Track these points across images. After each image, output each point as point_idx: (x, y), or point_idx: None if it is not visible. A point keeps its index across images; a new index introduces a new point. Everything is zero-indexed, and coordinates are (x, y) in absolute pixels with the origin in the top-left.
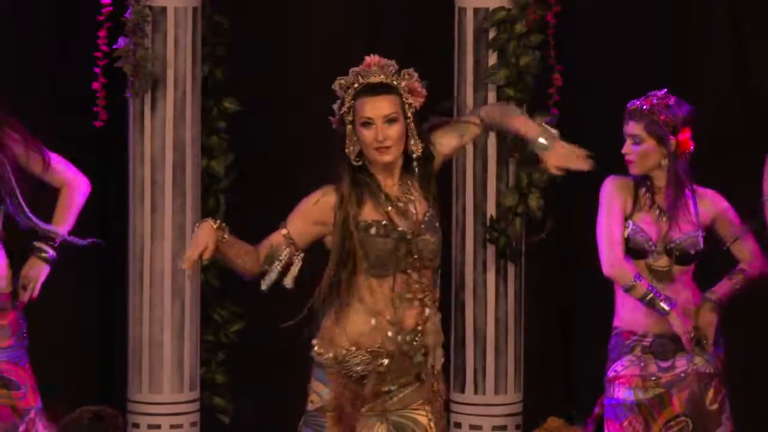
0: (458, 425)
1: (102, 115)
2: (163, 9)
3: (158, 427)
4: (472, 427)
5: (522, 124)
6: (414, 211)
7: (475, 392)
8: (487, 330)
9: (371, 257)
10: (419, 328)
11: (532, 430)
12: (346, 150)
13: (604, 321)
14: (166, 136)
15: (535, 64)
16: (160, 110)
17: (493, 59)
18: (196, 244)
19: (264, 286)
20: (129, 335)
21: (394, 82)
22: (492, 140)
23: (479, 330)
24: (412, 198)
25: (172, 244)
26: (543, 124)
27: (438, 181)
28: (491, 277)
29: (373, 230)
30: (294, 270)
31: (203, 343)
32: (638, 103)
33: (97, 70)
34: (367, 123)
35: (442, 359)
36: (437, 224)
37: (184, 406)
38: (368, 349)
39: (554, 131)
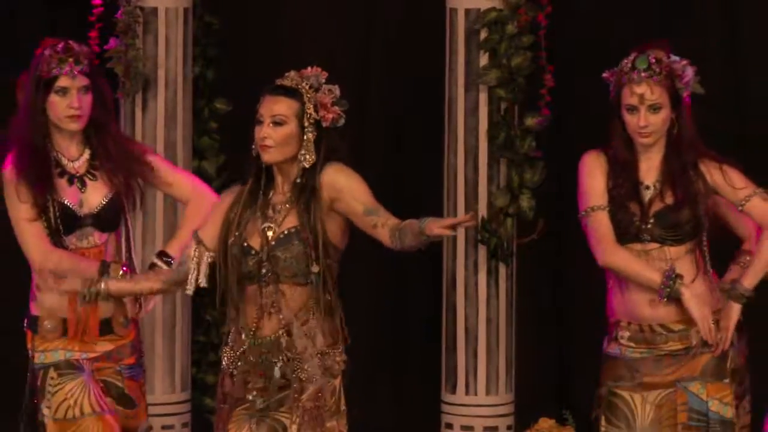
0: (449, 426)
1: None
2: (154, 9)
3: (149, 428)
4: (463, 428)
5: (412, 220)
6: (273, 228)
7: (467, 393)
8: (479, 330)
9: (235, 269)
10: (278, 335)
11: (524, 431)
12: (252, 147)
13: (596, 320)
14: (157, 137)
15: (526, 64)
16: (151, 111)
17: (484, 60)
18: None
19: (188, 290)
20: None
21: (302, 90)
22: (482, 140)
23: (470, 330)
24: (287, 208)
25: (163, 245)
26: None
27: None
28: (482, 277)
29: (235, 249)
30: (200, 269)
31: (194, 343)
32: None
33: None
34: (258, 121)
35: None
36: (296, 241)
37: (175, 406)
38: (237, 353)
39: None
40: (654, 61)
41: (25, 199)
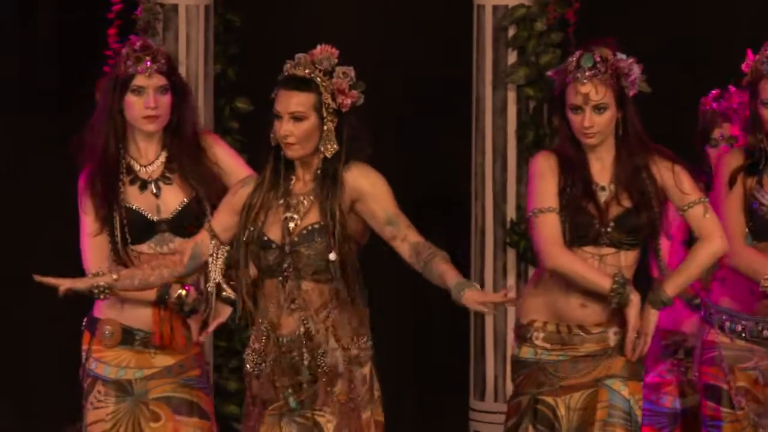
0: None
1: None
2: (175, 7)
3: None
4: None
5: (446, 269)
6: (296, 220)
7: (495, 400)
8: (508, 336)
9: (254, 263)
10: (299, 333)
11: None
12: (271, 136)
13: None
14: None
15: (555, 62)
16: None
17: (512, 58)
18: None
19: (210, 287)
20: None
21: (317, 79)
22: (511, 140)
23: (499, 336)
24: (311, 201)
25: None
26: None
27: (435, 187)
28: (512, 281)
29: (254, 242)
30: (216, 266)
31: (216, 349)
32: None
33: (106, 69)
34: (276, 115)
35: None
36: (319, 238)
37: None
38: (260, 354)
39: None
40: (599, 59)
41: (88, 211)
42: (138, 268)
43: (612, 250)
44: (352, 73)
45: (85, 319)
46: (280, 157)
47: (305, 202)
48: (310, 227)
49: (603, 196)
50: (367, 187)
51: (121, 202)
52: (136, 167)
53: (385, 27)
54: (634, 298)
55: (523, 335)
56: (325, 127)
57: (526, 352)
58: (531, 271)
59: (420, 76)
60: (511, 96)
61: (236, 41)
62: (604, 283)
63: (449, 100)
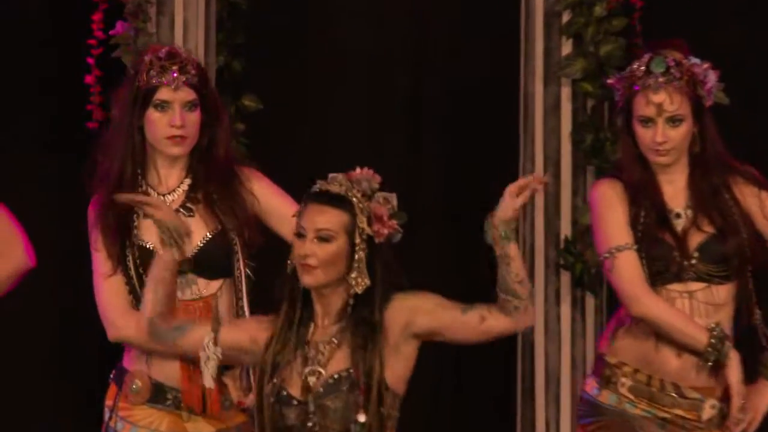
0: None
1: (97, 114)
2: None
3: None
4: None
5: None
6: (317, 372)
7: None
8: (562, 374)
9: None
10: None
11: None
12: (288, 262)
13: None
14: None
15: (618, 53)
16: None
17: (567, 48)
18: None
19: (207, 383)
20: None
21: (353, 199)
22: (565, 144)
23: (552, 374)
24: (333, 346)
25: None
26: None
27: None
28: (566, 310)
29: (272, 399)
30: (208, 370)
31: None
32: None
33: (90, 60)
34: (299, 234)
35: None
36: (345, 387)
37: None
38: None
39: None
40: (673, 63)
41: (100, 248)
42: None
43: (701, 285)
44: (395, 201)
45: (113, 371)
46: (300, 292)
47: (325, 350)
48: (337, 375)
49: (679, 224)
50: (414, 299)
51: (134, 239)
52: (153, 195)
53: (416, 13)
54: (734, 356)
55: (607, 376)
56: (357, 257)
57: (609, 398)
58: (589, 299)
59: (459, 70)
60: (566, 92)
61: (242, 29)
62: (700, 336)
63: (493, 98)
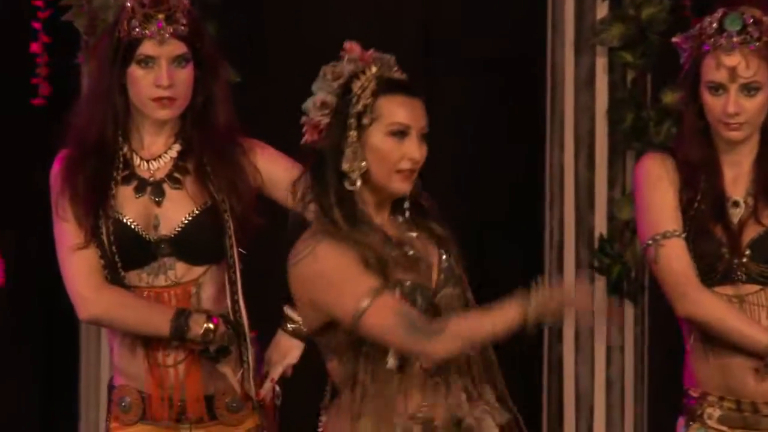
0: None
1: (44, 89)
2: None
3: None
4: None
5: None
6: (426, 254)
7: None
8: (595, 396)
9: None
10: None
11: None
12: (347, 165)
13: None
14: None
15: (662, 17)
16: None
17: (602, 11)
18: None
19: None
20: None
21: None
22: (601, 127)
23: (584, 395)
24: (415, 236)
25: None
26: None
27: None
28: (600, 321)
29: (399, 292)
30: None
31: None
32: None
33: (36, 25)
34: (401, 132)
35: None
36: (459, 272)
37: None
38: None
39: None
40: (751, 21)
41: (68, 217)
42: None
43: (755, 287)
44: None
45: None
46: (349, 199)
47: (407, 238)
48: (446, 264)
49: (736, 214)
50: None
51: (109, 210)
52: (135, 161)
53: None
54: None
55: (693, 412)
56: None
57: None
58: (628, 309)
59: (474, 39)
60: (601, 64)
61: None
62: (759, 337)
63: (515, 71)
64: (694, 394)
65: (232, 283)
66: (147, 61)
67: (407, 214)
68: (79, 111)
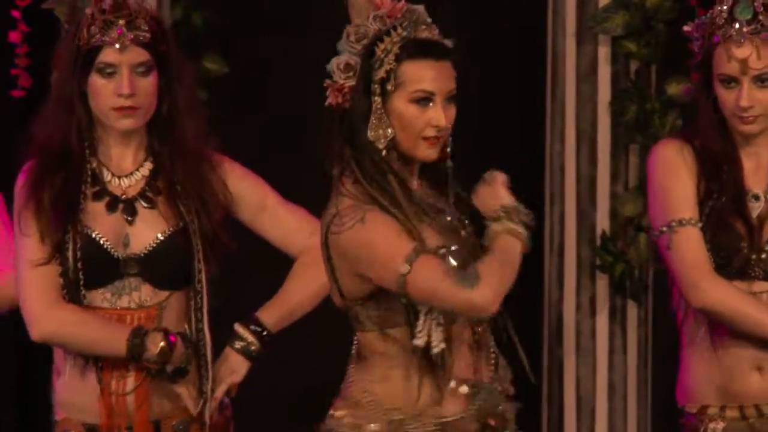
0: None
1: (23, 80)
2: None
3: None
4: None
5: None
6: (459, 225)
7: None
8: (597, 400)
9: None
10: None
11: None
12: (372, 134)
13: None
14: None
15: (668, 4)
16: None
17: None
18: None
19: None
20: None
21: (447, 41)
22: (603, 119)
23: (585, 399)
24: (445, 207)
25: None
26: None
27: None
28: (603, 321)
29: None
30: None
31: None
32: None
33: (15, 14)
34: (425, 99)
35: None
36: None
37: None
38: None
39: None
40: (762, 9)
41: (30, 232)
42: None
43: None
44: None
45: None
46: (379, 165)
47: (439, 207)
48: (470, 230)
49: (755, 209)
50: None
51: (78, 225)
52: (106, 176)
53: None
54: None
55: (695, 430)
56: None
57: None
58: (631, 309)
59: (470, 25)
60: (603, 53)
61: None
62: None
63: (514, 60)
64: (692, 410)
65: (197, 310)
66: (107, 69)
67: (448, 177)
68: (42, 121)
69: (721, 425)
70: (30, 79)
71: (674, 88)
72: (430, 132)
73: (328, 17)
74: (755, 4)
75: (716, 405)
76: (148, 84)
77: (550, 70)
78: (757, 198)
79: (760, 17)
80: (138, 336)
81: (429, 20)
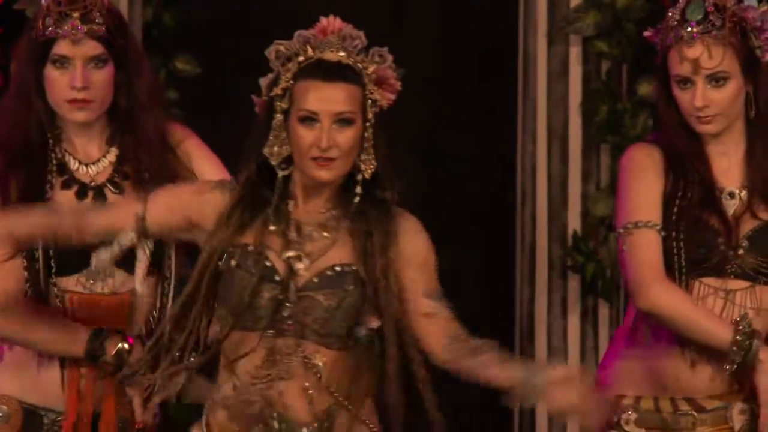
0: None
1: None
2: None
3: None
4: None
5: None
6: (315, 255)
7: None
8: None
9: (227, 297)
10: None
11: None
12: (267, 149)
13: None
14: None
15: (639, 4)
16: None
17: None
18: None
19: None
20: None
21: (359, 65)
22: (575, 119)
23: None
24: (329, 238)
25: None
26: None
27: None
28: (574, 322)
29: (234, 260)
30: (142, 272)
31: None
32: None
33: None
34: (310, 119)
35: None
36: (351, 287)
37: None
38: None
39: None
40: (713, 9)
41: None
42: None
43: (744, 283)
44: (389, 56)
45: None
46: (268, 179)
47: (318, 236)
48: (339, 269)
49: (731, 206)
50: (424, 251)
51: None
52: (73, 165)
53: None
54: (765, 357)
55: (610, 419)
56: (366, 135)
57: None
58: (603, 309)
59: (444, 27)
60: (575, 53)
61: None
62: (723, 333)
63: (485, 60)
64: (609, 398)
65: (163, 295)
66: (62, 62)
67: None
68: (2, 115)
69: (634, 416)
70: (3, 78)
71: (645, 88)
72: (315, 152)
73: (300, 18)
74: (706, 4)
75: (632, 395)
76: (103, 77)
77: (522, 70)
78: (732, 195)
79: (711, 17)
80: (97, 339)
81: (355, 43)
